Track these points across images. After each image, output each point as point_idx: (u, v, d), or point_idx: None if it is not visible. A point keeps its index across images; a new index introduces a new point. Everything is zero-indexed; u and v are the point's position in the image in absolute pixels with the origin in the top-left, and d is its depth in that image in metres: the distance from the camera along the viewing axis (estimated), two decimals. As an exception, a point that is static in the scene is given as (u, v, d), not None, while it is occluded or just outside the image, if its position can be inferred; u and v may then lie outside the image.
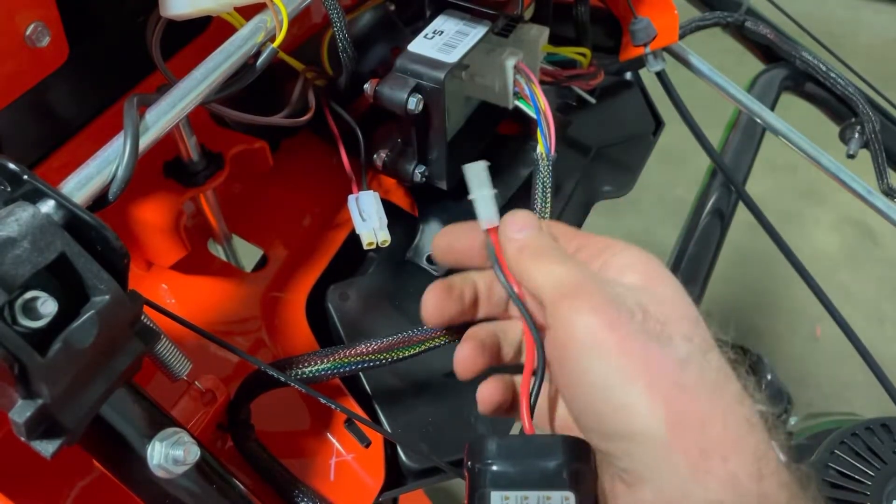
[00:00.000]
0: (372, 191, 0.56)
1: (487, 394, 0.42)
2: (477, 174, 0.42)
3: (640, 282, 0.37)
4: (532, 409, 0.38)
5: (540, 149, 0.54)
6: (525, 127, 0.67)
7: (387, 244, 0.53)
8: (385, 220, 0.54)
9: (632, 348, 0.34)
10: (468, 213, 0.61)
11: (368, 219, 0.54)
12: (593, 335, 0.34)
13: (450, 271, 0.44)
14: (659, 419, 0.33)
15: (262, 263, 0.59)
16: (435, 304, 0.42)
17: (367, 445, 0.51)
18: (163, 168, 0.52)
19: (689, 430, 0.33)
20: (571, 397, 0.36)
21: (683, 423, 0.33)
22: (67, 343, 0.30)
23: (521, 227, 0.40)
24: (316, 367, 0.46)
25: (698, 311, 0.37)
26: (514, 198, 0.62)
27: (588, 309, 0.35)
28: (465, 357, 0.42)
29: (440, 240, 0.44)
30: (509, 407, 0.42)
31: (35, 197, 0.33)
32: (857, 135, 0.83)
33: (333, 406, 0.45)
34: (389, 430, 0.52)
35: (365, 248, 0.53)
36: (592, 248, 0.40)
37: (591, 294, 0.35)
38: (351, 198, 0.55)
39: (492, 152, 0.64)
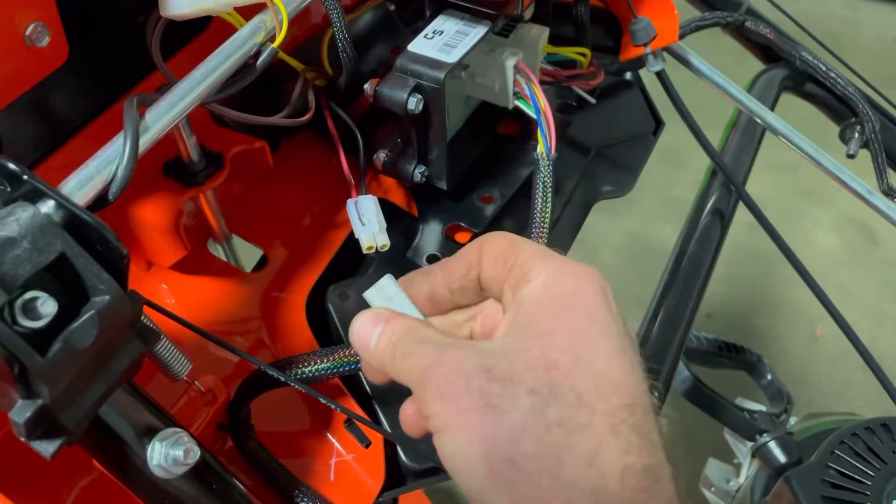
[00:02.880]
0: (371, 195, 0.56)
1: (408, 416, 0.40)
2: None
3: (516, 317, 0.35)
4: None
5: (540, 149, 0.54)
6: (525, 127, 0.67)
7: (386, 248, 0.54)
8: (384, 225, 0.54)
9: (471, 425, 0.32)
10: (468, 213, 0.62)
11: (368, 223, 0.54)
12: (443, 419, 0.33)
13: None
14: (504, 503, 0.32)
15: (262, 263, 0.59)
16: None
17: (367, 446, 0.51)
18: (163, 168, 0.52)
19: None
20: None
21: None
22: (67, 343, 0.30)
23: (364, 341, 0.38)
24: (316, 367, 0.46)
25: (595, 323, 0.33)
26: (514, 198, 0.62)
27: (432, 393, 0.34)
28: (410, 417, 0.40)
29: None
30: None
31: (35, 197, 0.33)
32: (857, 135, 0.83)
33: (333, 406, 0.45)
34: (389, 430, 0.52)
35: (364, 252, 0.54)
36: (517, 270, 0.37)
37: (434, 376, 0.34)
38: (350, 202, 0.55)
39: (492, 152, 0.64)
